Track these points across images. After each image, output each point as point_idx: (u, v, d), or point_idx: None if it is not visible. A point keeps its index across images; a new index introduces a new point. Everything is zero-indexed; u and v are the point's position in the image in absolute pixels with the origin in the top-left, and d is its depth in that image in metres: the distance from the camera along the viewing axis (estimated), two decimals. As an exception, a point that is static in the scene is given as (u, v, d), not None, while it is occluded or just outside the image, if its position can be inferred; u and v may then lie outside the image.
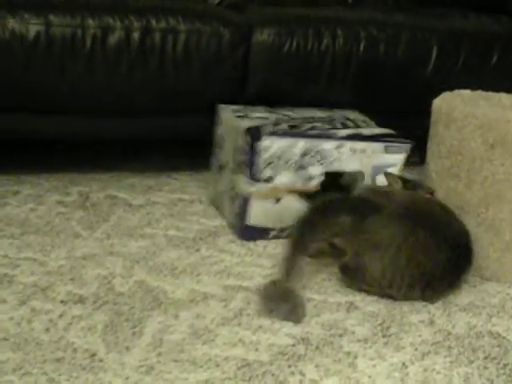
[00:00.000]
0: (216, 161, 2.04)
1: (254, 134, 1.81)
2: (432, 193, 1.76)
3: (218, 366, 1.32)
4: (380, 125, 1.99)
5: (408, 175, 1.85)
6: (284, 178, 1.82)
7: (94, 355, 1.34)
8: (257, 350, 1.38)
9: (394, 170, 1.88)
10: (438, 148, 1.79)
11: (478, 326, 1.51)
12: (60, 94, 1.99)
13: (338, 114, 2.08)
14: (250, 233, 1.84)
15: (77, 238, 1.82)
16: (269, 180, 1.81)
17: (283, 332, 1.45)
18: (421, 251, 1.54)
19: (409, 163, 1.92)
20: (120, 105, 2.05)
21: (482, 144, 1.68)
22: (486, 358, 1.40)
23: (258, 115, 1.96)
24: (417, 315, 1.54)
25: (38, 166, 2.28)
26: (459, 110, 1.71)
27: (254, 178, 1.81)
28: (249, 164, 1.81)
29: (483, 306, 1.60)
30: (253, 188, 1.81)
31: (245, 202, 1.83)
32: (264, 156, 1.79)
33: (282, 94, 2.10)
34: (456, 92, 1.89)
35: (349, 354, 1.39)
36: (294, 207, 1.83)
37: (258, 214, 1.84)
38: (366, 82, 2.15)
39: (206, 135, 2.06)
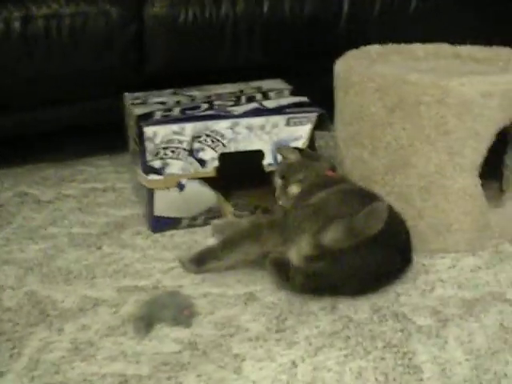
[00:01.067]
0: (130, 151, 1.92)
1: (139, 122, 1.70)
2: (333, 168, 1.64)
3: (92, 386, 1.23)
4: (300, 89, 1.85)
5: (307, 149, 1.73)
6: (175, 168, 1.71)
7: (-38, 387, 1.25)
8: (138, 362, 1.29)
9: (300, 144, 1.75)
10: (342, 115, 1.67)
11: (384, 309, 1.41)
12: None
13: (253, 86, 1.94)
14: (159, 224, 1.74)
15: (-26, 248, 1.72)
16: (160, 171, 1.70)
17: (171, 337, 1.36)
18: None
19: (322, 130, 1.79)
20: (15, 98, 1.93)
21: (381, 108, 1.56)
22: (384, 346, 1.30)
23: (158, 100, 1.84)
24: (318, 302, 1.44)
25: None
26: (357, 73, 1.59)
27: (146, 169, 1.69)
28: (140, 155, 1.70)
29: (393, 282, 1.49)
30: (148, 179, 1.70)
31: (149, 192, 1.72)
32: (151, 145, 1.67)
33: (185, 69, 1.97)
34: (363, 49, 1.77)
35: (237, 356, 1.30)
36: (200, 194, 1.73)
37: (163, 204, 1.73)
38: (274, 46, 2.01)
39: (118, 117, 1.94)
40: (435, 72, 1.62)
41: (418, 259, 1.57)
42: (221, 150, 1.71)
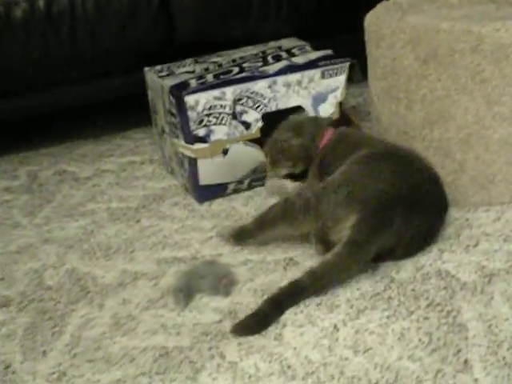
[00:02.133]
0: (155, 127, 1.90)
1: (177, 92, 1.67)
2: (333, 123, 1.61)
3: (133, 360, 1.23)
4: (323, 47, 1.81)
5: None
6: (220, 134, 1.68)
7: (8, 367, 1.26)
8: (178, 334, 1.29)
9: (338, 95, 1.73)
10: (374, 69, 1.62)
11: (426, 266, 1.38)
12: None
13: (273, 45, 1.90)
14: (206, 193, 1.72)
15: (15, 229, 1.74)
16: (205, 139, 1.67)
17: (210, 307, 1.35)
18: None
19: (352, 81, 1.75)
20: (44, 76, 1.93)
21: (414, 60, 1.51)
22: (428, 305, 1.27)
23: (184, 70, 1.81)
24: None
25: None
26: (387, 25, 1.54)
27: (190, 139, 1.67)
28: (181, 126, 1.67)
29: (436, 239, 1.45)
30: (192, 150, 1.67)
31: (191, 163, 1.70)
32: (194, 114, 1.65)
33: (213, 38, 1.94)
34: (394, 0, 1.70)
35: (277, 323, 1.28)
36: (245, 156, 1.71)
37: (208, 172, 1.71)
38: (302, 6, 1.95)
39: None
40: (469, 19, 1.56)
41: (460, 214, 1.52)
42: (263, 110, 1.69)
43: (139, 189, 1.85)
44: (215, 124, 1.66)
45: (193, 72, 1.77)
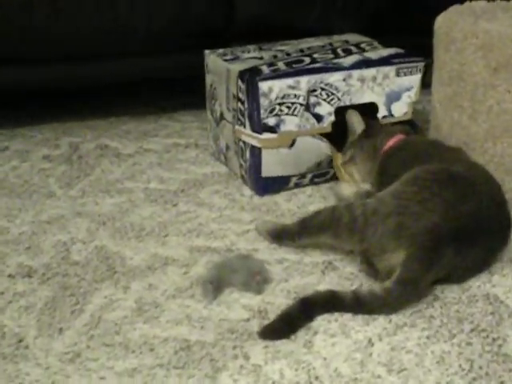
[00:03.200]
0: (211, 113, 1.82)
1: (249, 78, 1.59)
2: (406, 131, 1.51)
3: (152, 350, 1.16)
4: (387, 45, 1.73)
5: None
6: (290, 125, 1.60)
7: (21, 341, 1.20)
8: (203, 327, 1.21)
9: (412, 95, 1.66)
10: (440, 74, 1.53)
11: (474, 288, 1.28)
12: (31, 41, 1.84)
13: (338, 39, 1.82)
14: (268, 185, 1.65)
15: (49, 198, 1.68)
16: (274, 129, 1.60)
17: (240, 304, 1.27)
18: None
19: (424, 84, 1.67)
20: (95, 50, 1.88)
21: (484, 68, 1.41)
22: (472, 330, 1.18)
23: (250, 55, 1.73)
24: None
25: (34, 118, 2.14)
26: (459, 29, 1.45)
27: (258, 127, 1.59)
28: (249, 112, 1.60)
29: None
30: (259, 139, 1.60)
31: (254, 153, 1.62)
32: (266, 101, 1.57)
33: (273, 25, 1.86)
34: (467, 4, 1.61)
35: (309, 329, 1.20)
36: (311, 148, 1.64)
37: (272, 163, 1.63)
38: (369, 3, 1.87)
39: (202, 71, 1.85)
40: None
41: (516, 236, 1.42)
42: (336, 103, 1.61)
43: (181, 172, 1.79)
44: (287, 114, 1.59)
45: (261, 58, 1.69)
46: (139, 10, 1.86)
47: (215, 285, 1.29)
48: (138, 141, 1.98)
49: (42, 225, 1.56)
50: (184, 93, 2.19)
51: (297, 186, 1.66)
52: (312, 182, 1.67)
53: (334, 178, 1.68)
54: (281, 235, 1.42)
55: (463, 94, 1.46)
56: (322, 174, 1.67)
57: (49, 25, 1.83)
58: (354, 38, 1.83)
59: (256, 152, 1.61)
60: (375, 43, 1.77)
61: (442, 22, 1.52)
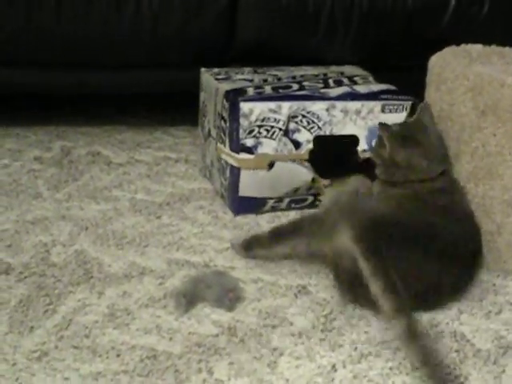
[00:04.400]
0: (201, 129, 1.85)
1: (233, 98, 1.62)
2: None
3: (118, 356, 1.18)
4: (384, 81, 1.76)
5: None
6: (268, 148, 1.62)
7: (-10, 335, 1.21)
8: (171, 339, 1.23)
9: None
10: (430, 112, 1.55)
11: (442, 324, 1.30)
12: (31, 46, 1.87)
13: (334, 70, 1.85)
14: (243, 205, 1.66)
15: (35, 199, 1.70)
16: (251, 150, 1.62)
17: (210, 319, 1.28)
18: None
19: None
20: (97, 57, 1.90)
21: (472, 109, 1.44)
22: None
23: (242, 77, 1.76)
24: (373, 306, 1.34)
25: (30, 119, 2.17)
26: (450, 69, 1.47)
27: (236, 147, 1.62)
28: (229, 131, 1.62)
29: (457, 298, 1.38)
30: (236, 158, 1.62)
31: (233, 172, 1.64)
32: (245, 122, 1.60)
33: (274, 50, 1.89)
34: (463, 47, 1.64)
35: (275, 350, 1.21)
36: (290, 173, 1.65)
37: (249, 184, 1.65)
38: (370, 35, 1.90)
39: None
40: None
41: (488, 277, 1.45)
42: (316, 132, 1.63)
43: (168, 185, 1.81)
44: (265, 137, 1.61)
45: (251, 81, 1.72)
46: (145, 22, 1.88)
47: (188, 298, 1.31)
48: (130, 151, 2.00)
49: (26, 224, 1.58)
50: (181, 108, 2.22)
51: (274, 209, 1.68)
52: (289, 207, 1.69)
53: (313, 205, 1.69)
54: (251, 244, 1.44)
55: (450, 134, 1.49)
56: (300, 200, 1.68)
57: (52, 29, 1.85)
58: (351, 70, 1.85)
59: (235, 171, 1.64)
60: (370, 78, 1.79)
61: (435, 61, 1.55)
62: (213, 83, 1.73)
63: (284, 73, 1.79)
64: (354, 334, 1.26)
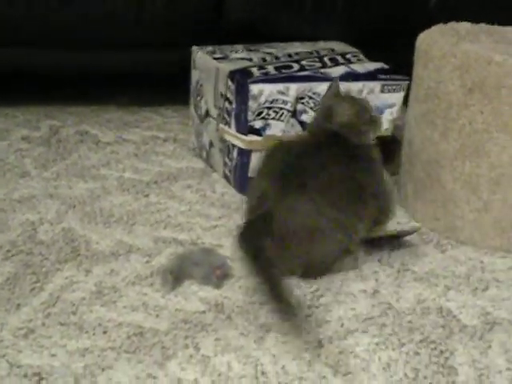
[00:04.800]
0: (196, 109, 1.84)
1: (240, 79, 1.61)
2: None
3: (105, 332, 1.18)
4: (372, 58, 1.76)
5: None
6: (275, 129, 1.63)
7: (-23, 312, 1.21)
8: (158, 316, 1.23)
9: (394, 112, 1.70)
10: (417, 91, 1.56)
11: (429, 300, 1.31)
12: (20, 25, 1.85)
13: (324, 47, 1.84)
14: (244, 185, 1.64)
15: (22, 178, 1.70)
16: (259, 132, 1.62)
17: (198, 296, 1.29)
18: None
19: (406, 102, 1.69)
20: (85, 37, 1.90)
21: (460, 87, 1.44)
22: (421, 340, 1.20)
23: (239, 56, 1.75)
24: (361, 283, 1.35)
25: (18, 99, 2.16)
26: (438, 47, 1.47)
27: (245, 129, 1.61)
28: (236, 113, 1.62)
29: (445, 275, 1.39)
30: (244, 140, 1.62)
31: (243, 154, 1.64)
32: (254, 104, 1.59)
33: (261, 28, 1.88)
34: (451, 25, 1.64)
35: (262, 326, 1.22)
36: None
37: (250, 164, 1.65)
38: (356, 13, 1.90)
39: (189, 68, 1.87)
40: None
41: (476, 255, 1.46)
42: None
43: (156, 164, 1.81)
44: (273, 118, 1.62)
45: (250, 60, 1.71)
46: (131, 3, 1.87)
47: (175, 275, 1.31)
48: (118, 130, 2.00)
49: (13, 203, 1.58)
50: (169, 88, 2.20)
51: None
52: None
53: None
54: None
55: (437, 112, 1.49)
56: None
57: (38, 11, 1.84)
58: (339, 46, 1.85)
59: (245, 153, 1.64)
60: (360, 55, 1.79)
61: (423, 39, 1.55)
62: (210, 62, 1.72)
63: (278, 50, 1.79)
64: (340, 310, 1.27)
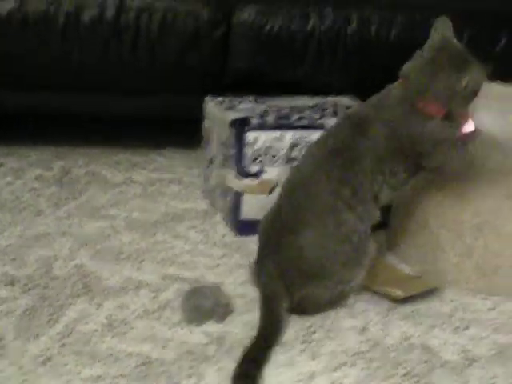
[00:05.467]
0: (206, 155, 1.97)
1: (240, 126, 1.75)
2: None
3: (116, 361, 1.29)
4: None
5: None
6: (271, 174, 1.76)
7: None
8: (164, 347, 1.34)
9: None
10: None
11: (414, 338, 1.42)
12: (35, 70, 1.98)
13: (330, 101, 1.97)
14: (245, 227, 1.77)
15: (38, 216, 1.81)
16: (257, 175, 1.75)
17: (201, 329, 1.40)
18: None
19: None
20: (97, 82, 2.02)
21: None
22: (405, 374, 1.31)
23: (245, 106, 1.89)
24: (351, 320, 1.46)
25: (32, 139, 2.28)
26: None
27: (242, 173, 1.75)
28: (235, 158, 1.75)
29: (429, 314, 1.50)
30: (242, 183, 1.75)
31: (236, 196, 1.77)
32: (250, 150, 1.73)
33: (265, 78, 2.02)
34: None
35: (260, 358, 1.32)
36: None
37: (251, 207, 1.77)
38: (356, 66, 2.03)
39: (195, 114, 2.00)
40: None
41: (458, 296, 1.57)
42: None
43: (162, 205, 1.92)
44: (268, 164, 1.74)
45: (253, 110, 1.84)
46: (142, 50, 2.00)
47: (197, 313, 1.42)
48: (126, 171, 2.12)
49: (29, 240, 1.69)
50: (177, 132, 2.33)
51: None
52: None
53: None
54: None
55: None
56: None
57: (56, 55, 1.97)
58: (346, 100, 1.97)
59: (237, 196, 1.76)
60: None
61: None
62: (217, 112, 1.86)
63: (282, 102, 1.92)
64: (332, 345, 1.38)
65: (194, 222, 1.84)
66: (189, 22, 1.95)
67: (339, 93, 2.01)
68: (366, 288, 1.52)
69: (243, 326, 1.41)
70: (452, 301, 1.55)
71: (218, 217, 1.87)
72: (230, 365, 1.29)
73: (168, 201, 1.95)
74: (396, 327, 1.44)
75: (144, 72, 2.00)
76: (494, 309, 1.53)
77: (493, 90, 1.57)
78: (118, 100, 2.12)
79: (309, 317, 1.45)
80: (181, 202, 1.94)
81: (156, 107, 2.19)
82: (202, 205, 1.93)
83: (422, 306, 1.52)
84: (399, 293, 1.50)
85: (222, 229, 1.81)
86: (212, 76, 2.04)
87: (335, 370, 1.30)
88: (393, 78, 2.01)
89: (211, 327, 1.40)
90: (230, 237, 1.78)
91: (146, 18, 1.94)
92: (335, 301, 1.47)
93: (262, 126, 1.75)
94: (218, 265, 1.64)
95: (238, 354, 1.32)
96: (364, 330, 1.43)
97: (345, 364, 1.32)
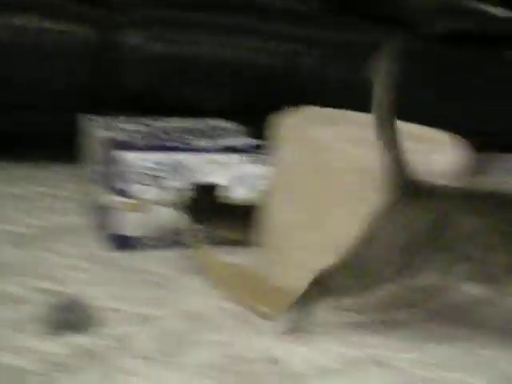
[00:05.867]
0: (84, 171, 2.04)
1: (114, 147, 1.82)
2: None
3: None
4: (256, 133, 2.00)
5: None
6: (149, 194, 1.84)
7: None
8: (24, 357, 1.37)
9: (257, 184, 1.90)
10: (276, 166, 1.78)
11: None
12: None
13: (209, 123, 2.08)
14: (121, 243, 1.85)
15: None
16: (133, 196, 1.83)
17: (65, 341, 1.44)
18: None
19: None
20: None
21: (306, 168, 1.67)
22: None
23: (123, 127, 1.97)
24: (212, 334, 1.53)
25: None
26: (289, 129, 1.71)
27: (116, 192, 1.82)
28: (108, 178, 1.83)
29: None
30: (117, 201, 1.82)
31: (112, 213, 1.84)
32: (124, 171, 1.81)
33: (153, 101, 2.09)
34: (311, 109, 1.87)
35: (124, 371, 1.37)
36: (164, 216, 1.86)
37: (127, 224, 1.85)
38: (244, 90, 2.13)
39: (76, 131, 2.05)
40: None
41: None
42: (192, 181, 1.86)
43: (42, 219, 1.97)
44: (146, 184, 1.83)
45: (130, 130, 1.93)
46: (27, 67, 2.04)
47: (54, 324, 1.46)
48: (8, 186, 2.15)
49: None
50: (62, 146, 2.38)
51: (148, 247, 1.88)
52: (168, 248, 1.89)
53: (186, 246, 1.86)
54: None
55: (286, 187, 1.71)
56: (175, 241, 1.88)
57: None
58: (223, 123, 2.08)
59: (113, 212, 1.83)
60: (239, 131, 2.04)
61: (278, 119, 1.78)
62: (91, 131, 1.93)
63: (159, 123, 2.02)
64: (197, 357, 1.44)
65: (73, 238, 1.89)
66: (66, 42, 2.00)
67: (219, 115, 2.10)
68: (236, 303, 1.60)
69: (110, 338, 1.47)
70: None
71: (95, 232, 1.92)
72: (94, 376, 1.34)
73: (47, 215, 1.99)
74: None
75: (23, 89, 2.07)
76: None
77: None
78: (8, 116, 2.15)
79: (175, 331, 1.51)
80: (59, 216, 2.00)
81: (38, 123, 2.23)
82: (81, 219, 1.98)
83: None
84: (267, 310, 1.58)
85: (98, 244, 1.87)
86: (100, 94, 2.09)
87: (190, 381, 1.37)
88: (273, 103, 2.13)
89: (74, 338, 1.45)
90: (108, 253, 1.84)
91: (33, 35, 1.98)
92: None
93: (137, 147, 1.84)
94: (92, 279, 1.69)
95: (101, 365, 1.37)
96: (225, 343, 1.50)
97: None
